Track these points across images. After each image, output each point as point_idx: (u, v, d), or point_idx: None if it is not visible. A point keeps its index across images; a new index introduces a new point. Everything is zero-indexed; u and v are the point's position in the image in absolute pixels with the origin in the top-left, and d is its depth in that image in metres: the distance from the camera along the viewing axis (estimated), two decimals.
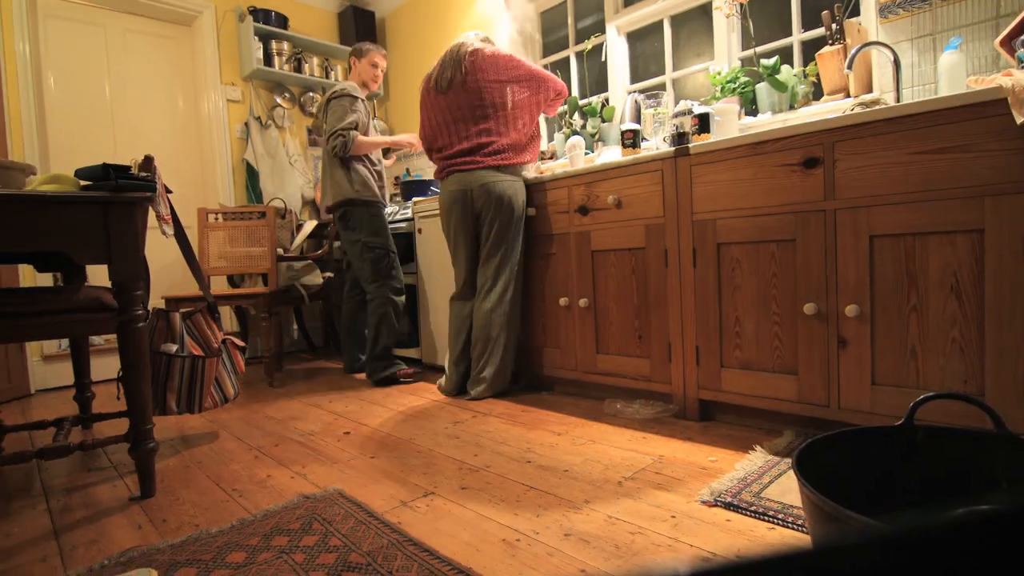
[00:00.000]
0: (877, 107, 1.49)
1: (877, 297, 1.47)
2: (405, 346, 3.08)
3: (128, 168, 1.42)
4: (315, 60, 3.97)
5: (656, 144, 2.30)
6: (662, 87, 2.80)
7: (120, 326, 1.47)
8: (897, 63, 1.86)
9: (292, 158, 3.93)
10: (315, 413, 2.29)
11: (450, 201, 2.35)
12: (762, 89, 2.24)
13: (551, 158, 3.03)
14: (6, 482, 1.68)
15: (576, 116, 2.91)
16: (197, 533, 1.26)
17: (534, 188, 2.33)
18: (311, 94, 4.05)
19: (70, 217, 1.37)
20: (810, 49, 2.26)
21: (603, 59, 2.98)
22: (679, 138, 1.97)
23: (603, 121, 2.79)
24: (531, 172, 2.45)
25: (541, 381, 2.45)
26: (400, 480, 1.53)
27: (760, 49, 2.38)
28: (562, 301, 2.23)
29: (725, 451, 1.60)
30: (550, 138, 3.29)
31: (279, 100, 3.90)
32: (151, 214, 1.59)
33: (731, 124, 2.01)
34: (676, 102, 2.59)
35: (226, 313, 3.65)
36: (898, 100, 1.86)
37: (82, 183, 1.41)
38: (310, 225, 3.59)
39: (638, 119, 2.51)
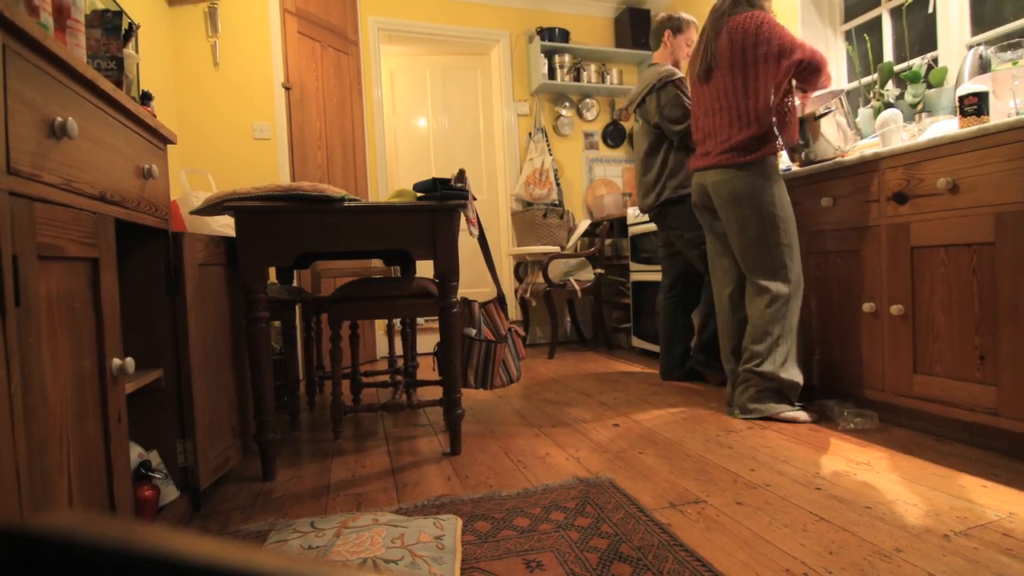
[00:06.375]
0: None
1: None
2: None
3: (449, 180, 1.71)
4: (592, 67, 4.17)
5: (1016, 108, 1.77)
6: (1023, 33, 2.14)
7: (441, 310, 1.79)
8: None
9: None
10: (585, 402, 2.42)
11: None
12: None
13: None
14: (361, 425, 2.21)
15: (889, 85, 2.43)
16: (491, 493, 1.46)
17: (827, 176, 2.03)
18: (588, 100, 4.26)
19: (410, 222, 1.72)
20: None
21: (930, 10, 2.42)
22: None
23: (929, 87, 2.27)
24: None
25: (834, 398, 2.12)
26: (669, 481, 1.51)
27: None
28: (866, 307, 1.90)
29: None
30: (854, 114, 2.81)
31: (561, 110, 4.20)
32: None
33: None
34: None
35: (512, 304, 4.12)
36: None
37: (417, 194, 1.75)
38: (584, 224, 3.81)
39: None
